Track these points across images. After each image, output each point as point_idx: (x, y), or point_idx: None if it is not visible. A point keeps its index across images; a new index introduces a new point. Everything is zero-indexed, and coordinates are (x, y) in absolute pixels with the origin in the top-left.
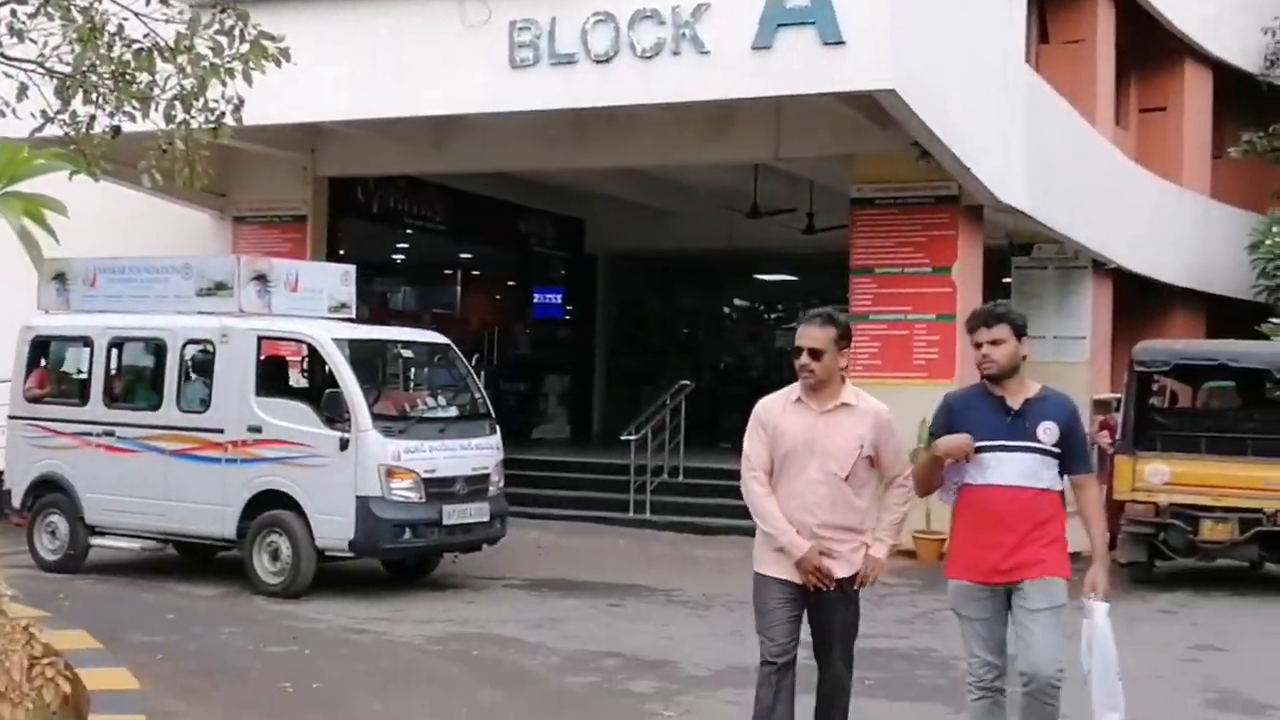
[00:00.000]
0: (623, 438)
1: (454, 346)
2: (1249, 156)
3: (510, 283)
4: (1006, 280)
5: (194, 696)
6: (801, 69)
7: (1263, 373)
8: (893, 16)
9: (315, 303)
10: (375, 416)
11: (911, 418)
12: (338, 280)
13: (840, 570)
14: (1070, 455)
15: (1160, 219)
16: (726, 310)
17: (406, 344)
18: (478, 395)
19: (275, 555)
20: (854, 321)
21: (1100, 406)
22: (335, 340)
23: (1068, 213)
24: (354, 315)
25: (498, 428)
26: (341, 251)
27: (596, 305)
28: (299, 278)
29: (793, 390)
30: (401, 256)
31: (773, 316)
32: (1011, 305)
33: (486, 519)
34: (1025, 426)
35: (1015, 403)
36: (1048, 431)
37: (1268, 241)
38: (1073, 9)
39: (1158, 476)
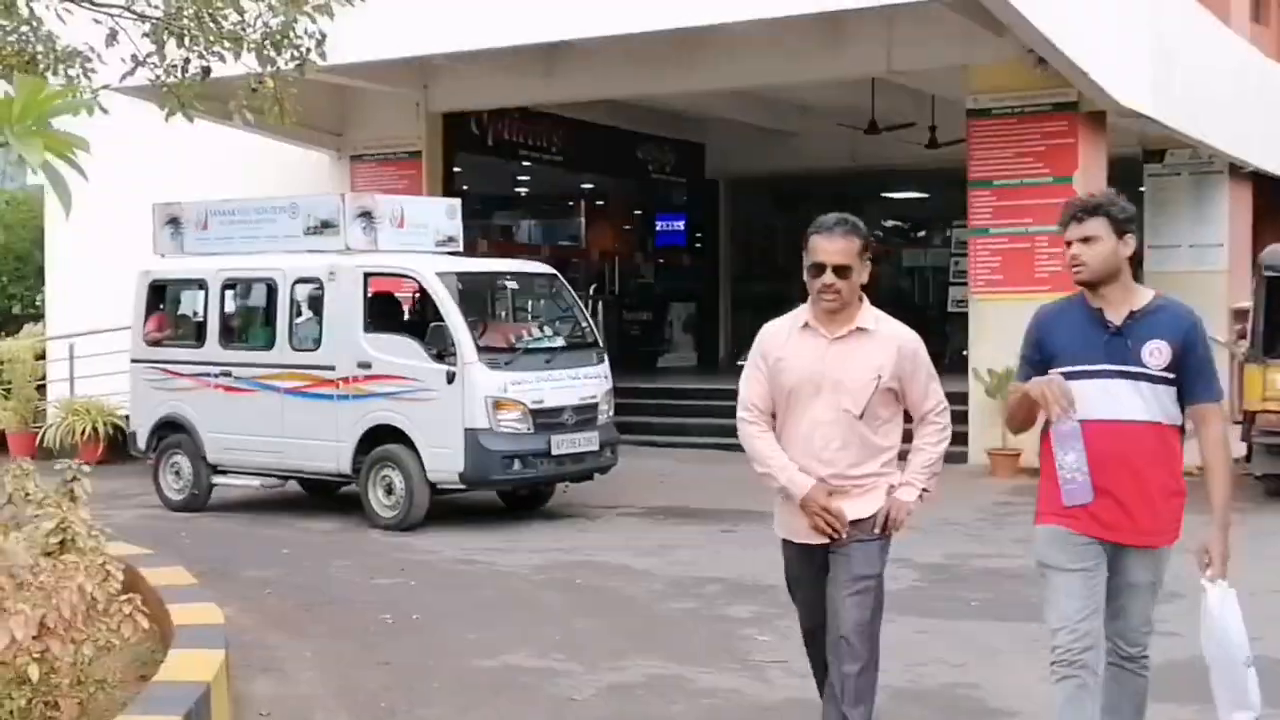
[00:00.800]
0: (739, 363)
1: (560, 276)
2: None
3: (634, 211)
4: (1141, 189)
5: (294, 629)
6: None
7: None
8: None
9: (422, 237)
10: (481, 349)
11: None
12: (444, 214)
13: (854, 509)
14: (1188, 381)
15: None
16: None
17: (512, 275)
18: (585, 324)
19: (389, 489)
20: (973, 235)
21: (1239, 316)
22: (439, 274)
23: (1198, 115)
24: (461, 249)
25: (605, 356)
26: (465, 187)
27: (719, 230)
28: (405, 213)
29: (799, 314)
30: (524, 190)
31: (907, 234)
32: (1117, 195)
33: (596, 448)
34: (1128, 346)
35: (1116, 316)
36: (1156, 352)
37: None
38: None
39: None
